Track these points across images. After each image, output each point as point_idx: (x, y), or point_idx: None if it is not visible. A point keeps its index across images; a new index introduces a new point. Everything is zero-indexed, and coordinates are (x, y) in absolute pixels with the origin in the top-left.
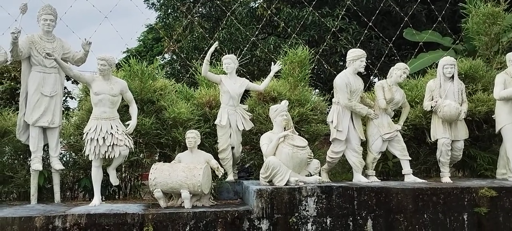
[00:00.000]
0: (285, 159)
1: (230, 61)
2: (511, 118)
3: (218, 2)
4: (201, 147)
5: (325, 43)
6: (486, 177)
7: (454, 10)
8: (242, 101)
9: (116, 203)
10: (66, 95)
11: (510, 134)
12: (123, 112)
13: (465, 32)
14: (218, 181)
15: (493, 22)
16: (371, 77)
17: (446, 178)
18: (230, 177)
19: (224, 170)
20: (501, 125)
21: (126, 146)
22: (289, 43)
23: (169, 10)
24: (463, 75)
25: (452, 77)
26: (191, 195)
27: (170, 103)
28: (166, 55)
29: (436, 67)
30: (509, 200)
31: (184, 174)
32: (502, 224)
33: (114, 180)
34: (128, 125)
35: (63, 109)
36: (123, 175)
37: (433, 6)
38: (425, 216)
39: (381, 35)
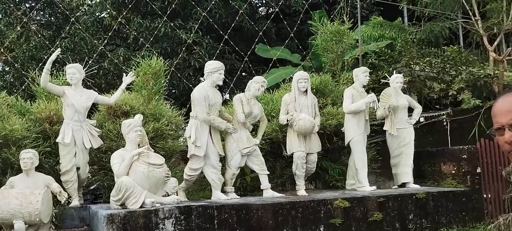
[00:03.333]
0: (140, 178)
1: (75, 71)
2: (359, 131)
3: (60, 7)
4: (39, 168)
5: (179, 57)
6: (337, 188)
7: (300, 28)
8: (89, 116)
9: None
10: None
11: (358, 146)
12: None
13: (314, 49)
14: (60, 207)
15: (339, 39)
16: (224, 93)
17: (301, 190)
18: (75, 202)
19: (68, 194)
20: (349, 137)
21: None
22: (142, 55)
23: (0, 15)
24: (314, 90)
25: (306, 91)
26: (27, 225)
27: (0, 119)
28: None
29: (289, 82)
30: (360, 209)
31: (18, 201)
32: None
33: None
34: None
35: None
36: None
37: (285, 23)
38: None
39: (237, 48)
